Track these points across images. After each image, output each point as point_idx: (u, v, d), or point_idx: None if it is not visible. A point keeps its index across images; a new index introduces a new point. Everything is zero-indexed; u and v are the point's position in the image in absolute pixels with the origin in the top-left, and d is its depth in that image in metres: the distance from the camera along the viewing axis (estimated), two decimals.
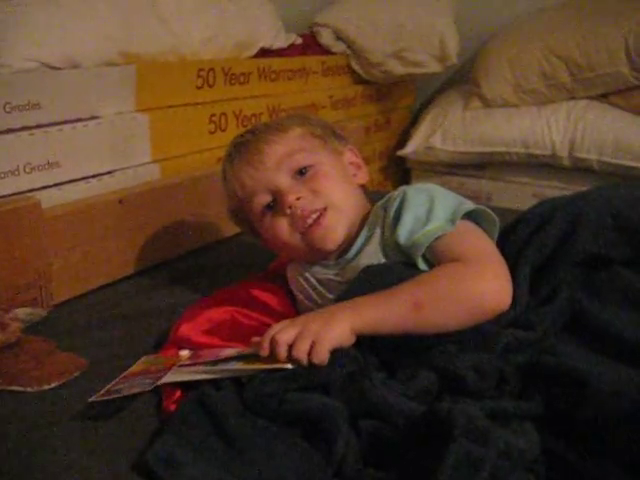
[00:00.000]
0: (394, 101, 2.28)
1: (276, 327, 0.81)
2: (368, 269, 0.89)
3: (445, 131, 2.10)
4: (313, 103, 1.85)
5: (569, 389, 0.71)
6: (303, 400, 0.74)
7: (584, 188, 1.92)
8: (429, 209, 0.89)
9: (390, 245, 0.90)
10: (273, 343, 0.79)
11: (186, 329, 0.93)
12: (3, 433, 0.76)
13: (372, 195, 1.03)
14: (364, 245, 0.94)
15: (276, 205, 0.96)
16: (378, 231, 0.93)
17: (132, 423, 0.79)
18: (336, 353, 0.78)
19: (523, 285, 0.84)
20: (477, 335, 0.79)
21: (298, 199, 0.93)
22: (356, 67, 2.02)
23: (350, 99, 2.03)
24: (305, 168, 0.96)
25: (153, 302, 1.11)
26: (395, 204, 0.92)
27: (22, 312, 1.01)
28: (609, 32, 1.91)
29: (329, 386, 0.77)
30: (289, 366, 0.78)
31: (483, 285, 0.81)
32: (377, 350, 0.82)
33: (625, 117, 1.92)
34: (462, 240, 0.87)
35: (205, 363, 0.84)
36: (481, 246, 0.87)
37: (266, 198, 0.97)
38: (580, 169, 1.98)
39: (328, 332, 0.79)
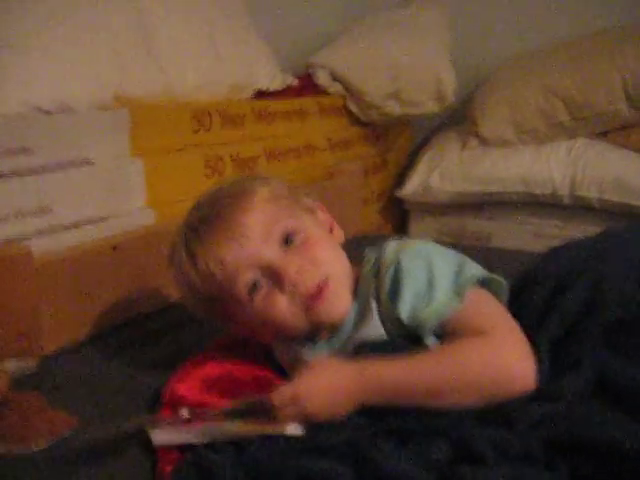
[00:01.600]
0: (391, 142, 2.26)
1: (276, 398, 0.77)
2: (367, 346, 0.83)
3: (443, 171, 2.07)
4: (311, 144, 1.83)
5: (599, 456, 0.66)
6: (305, 465, 0.69)
7: (584, 226, 1.95)
8: (429, 281, 0.81)
9: (390, 319, 0.84)
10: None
11: (181, 388, 0.87)
12: None
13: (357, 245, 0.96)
14: (360, 318, 0.86)
15: (268, 282, 0.84)
16: (373, 304, 0.85)
17: None
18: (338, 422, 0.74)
19: (545, 357, 0.78)
20: (498, 411, 0.74)
21: (297, 272, 0.84)
22: (353, 108, 2.01)
23: (348, 140, 2.01)
24: (291, 235, 0.86)
25: (149, 355, 1.06)
26: (389, 275, 0.84)
27: (11, 365, 0.96)
28: (606, 70, 1.90)
29: (332, 451, 0.72)
30: (289, 431, 0.75)
31: (510, 367, 0.76)
32: (386, 418, 0.77)
33: (625, 155, 1.91)
34: (476, 312, 0.80)
35: (203, 422, 0.79)
36: (498, 318, 0.81)
37: (253, 276, 0.84)
38: (581, 207, 1.96)
39: (326, 420, 0.76)
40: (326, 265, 0.85)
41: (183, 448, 0.77)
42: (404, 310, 0.81)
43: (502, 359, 0.76)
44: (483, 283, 0.84)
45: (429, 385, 0.76)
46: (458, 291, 0.80)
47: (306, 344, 0.89)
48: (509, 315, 0.81)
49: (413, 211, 2.22)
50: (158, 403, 0.88)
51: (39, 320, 1.07)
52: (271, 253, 0.84)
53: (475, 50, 2.29)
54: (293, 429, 0.76)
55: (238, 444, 0.75)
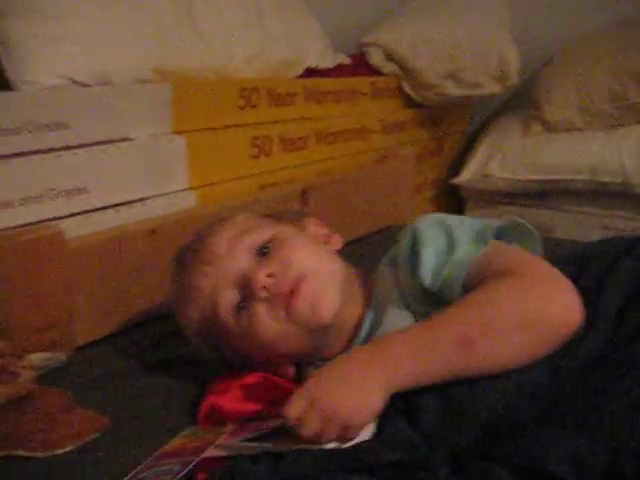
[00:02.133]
0: (447, 126, 2.14)
1: (291, 409, 0.67)
2: None
3: (503, 158, 1.95)
4: (363, 127, 1.72)
5: None
6: None
7: None
8: (448, 237, 0.76)
9: (416, 297, 0.76)
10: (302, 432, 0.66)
11: (220, 400, 0.78)
12: None
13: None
14: (377, 324, 0.79)
15: (247, 298, 0.78)
16: (394, 291, 0.78)
17: None
18: (386, 435, 0.64)
19: (607, 324, 0.68)
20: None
21: (269, 276, 0.77)
22: (408, 89, 1.89)
23: (401, 123, 1.90)
24: (265, 245, 0.80)
25: (187, 349, 0.97)
26: (406, 247, 0.79)
27: (38, 358, 0.88)
28: None
29: (379, 473, 0.62)
30: (330, 445, 0.65)
31: (546, 297, 0.67)
32: (441, 433, 0.65)
33: None
34: (503, 255, 0.73)
35: (245, 438, 0.70)
36: (529, 257, 0.74)
37: (233, 295, 0.79)
38: None
39: (361, 413, 0.66)
40: (301, 264, 0.79)
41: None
42: (426, 274, 0.75)
43: (536, 292, 0.67)
44: (508, 240, 0.79)
45: (455, 335, 0.66)
46: (480, 239, 0.75)
47: (319, 365, 0.80)
48: (543, 260, 0.73)
49: (469, 200, 2.10)
50: (197, 415, 0.79)
51: (71, 308, 0.99)
52: (242, 264, 0.79)
53: (537, 29, 2.15)
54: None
55: (279, 456, 0.65)
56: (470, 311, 0.68)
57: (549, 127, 1.92)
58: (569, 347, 0.67)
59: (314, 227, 0.90)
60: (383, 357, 0.67)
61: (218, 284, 0.79)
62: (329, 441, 0.65)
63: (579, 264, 0.77)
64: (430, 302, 0.75)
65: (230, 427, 0.72)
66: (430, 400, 0.66)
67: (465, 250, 0.73)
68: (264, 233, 0.82)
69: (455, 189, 2.11)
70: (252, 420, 0.74)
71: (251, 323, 0.78)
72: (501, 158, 1.95)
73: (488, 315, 0.66)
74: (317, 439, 0.65)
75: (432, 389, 0.67)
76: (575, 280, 0.70)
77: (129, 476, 0.68)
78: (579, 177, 1.85)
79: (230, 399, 0.77)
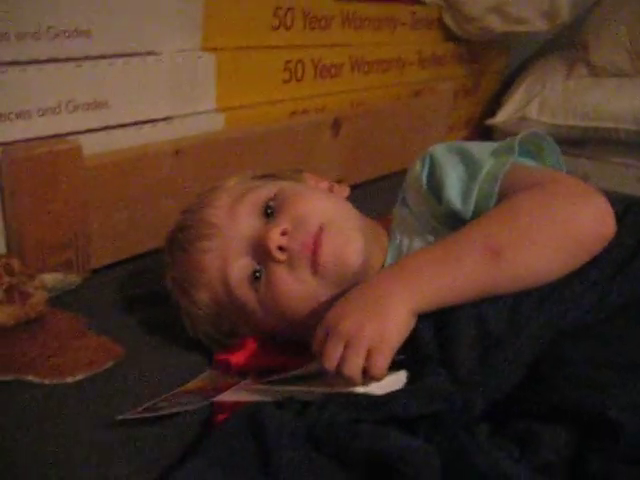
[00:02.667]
0: (485, 64, 2.03)
1: (319, 335, 0.62)
2: None
3: (543, 101, 1.85)
4: (400, 57, 1.63)
5: None
6: (381, 437, 0.54)
7: None
8: (469, 159, 0.71)
9: (440, 229, 0.71)
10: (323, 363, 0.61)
11: (233, 357, 0.71)
12: (4, 443, 0.58)
13: None
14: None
15: (263, 263, 0.69)
16: (414, 229, 0.74)
17: (169, 440, 0.60)
18: (419, 386, 0.58)
19: None
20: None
21: (283, 234, 0.69)
22: (449, 21, 1.78)
23: (439, 57, 1.80)
24: (269, 204, 0.72)
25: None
26: (424, 173, 0.74)
27: (51, 278, 0.83)
28: None
29: (415, 427, 0.57)
30: (360, 390, 0.59)
31: (576, 203, 0.63)
32: (483, 384, 0.59)
33: None
34: (529, 169, 0.71)
35: (269, 382, 0.65)
36: (557, 172, 0.72)
37: (245, 264, 0.70)
38: None
39: (385, 335, 0.59)
40: (315, 215, 0.71)
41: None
42: (454, 195, 0.70)
43: (566, 200, 0.64)
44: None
45: (482, 245, 0.61)
46: (504, 153, 0.71)
47: None
48: (558, 171, 0.72)
49: None
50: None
51: (87, 229, 0.93)
52: (247, 228, 0.71)
53: None
54: (368, 387, 0.60)
55: (305, 404, 0.60)
56: (497, 220, 0.63)
57: (595, 71, 1.81)
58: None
59: (314, 181, 0.84)
60: (404, 273, 0.63)
61: (225, 257, 0.70)
62: (353, 373, 0.59)
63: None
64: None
65: (251, 376, 0.68)
66: (467, 340, 0.60)
67: (492, 164, 0.69)
68: (264, 191, 0.73)
69: (489, 131, 2.02)
70: (272, 372, 0.69)
71: (273, 291, 0.69)
72: (540, 101, 1.85)
73: (516, 223, 0.62)
74: (340, 370, 0.60)
75: (468, 326, 0.61)
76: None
77: (145, 406, 0.63)
78: (622, 126, 1.75)
79: (246, 354, 0.72)
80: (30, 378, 0.66)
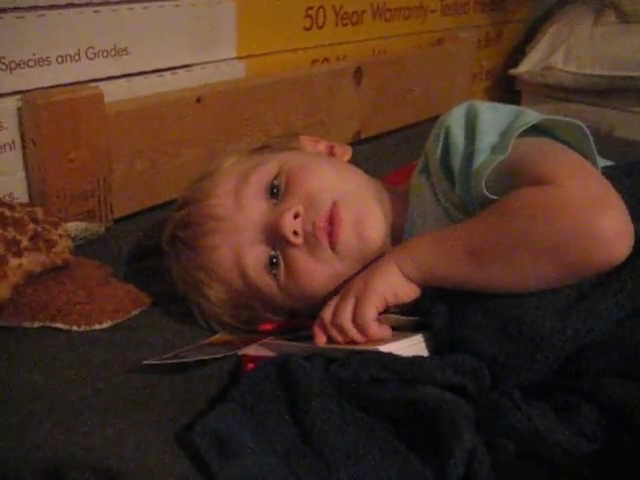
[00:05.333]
0: (509, 12, 1.97)
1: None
2: None
3: (569, 49, 1.80)
4: (421, 5, 1.58)
5: None
6: (411, 390, 0.53)
7: None
8: (471, 141, 0.64)
9: (456, 206, 0.67)
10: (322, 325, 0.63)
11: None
12: (36, 387, 0.58)
13: None
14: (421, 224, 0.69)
15: (278, 249, 0.67)
16: (432, 203, 0.69)
17: (196, 386, 0.61)
18: (448, 359, 0.57)
19: None
20: None
21: (296, 216, 0.66)
22: None
23: (462, 4, 1.75)
24: (274, 184, 0.68)
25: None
26: (437, 152, 0.67)
27: (75, 227, 0.83)
28: None
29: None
30: (380, 347, 0.59)
31: (586, 222, 0.53)
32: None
33: None
34: (529, 161, 0.60)
35: (294, 338, 0.66)
36: (574, 162, 0.60)
37: (260, 252, 0.67)
38: None
39: (371, 282, 0.60)
40: (325, 190, 0.67)
41: None
42: (457, 183, 0.65)
43: (566, 207, 0.54)
44: (548, 134, 0.65)
45: (467, 245, 0.58)
46: (501, 144, 0.62)
47: None
48: (584, 161, 0.61)
49: (526, 93, 1.96)
50: None
51: (109, 178, 0.92)
52: (257, 214, 0.67)
53: None
54: (388, 346, 0.59)
55: (331, 360, 0.60)
56: (488, 223, 0.59)
57: (625, 17, 1.75)
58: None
59: (312, 143, 0.79)
60: (398, 249, 0.63)
61: (238, 249, 0.67)
62: (342, 320, 0.61)
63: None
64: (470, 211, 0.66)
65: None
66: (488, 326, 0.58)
67: (482, 161, 0.62)
68: (267, 169, 0.69)
69: (511, 81, 1.97)
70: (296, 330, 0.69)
71: (294, 275, 0.67)
72: (566, 49, 1.80)
73: (505, 231, 0.57)
74: (333, 320, 0.62)
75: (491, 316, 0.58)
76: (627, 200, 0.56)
77: (170, 354, 0.63)
78: None
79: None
80: (58, 325, 0.66)
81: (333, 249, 0.66)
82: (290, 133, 0.82)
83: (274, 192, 0.68)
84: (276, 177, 0.68)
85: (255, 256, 0.67)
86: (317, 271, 0.66)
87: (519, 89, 1.99)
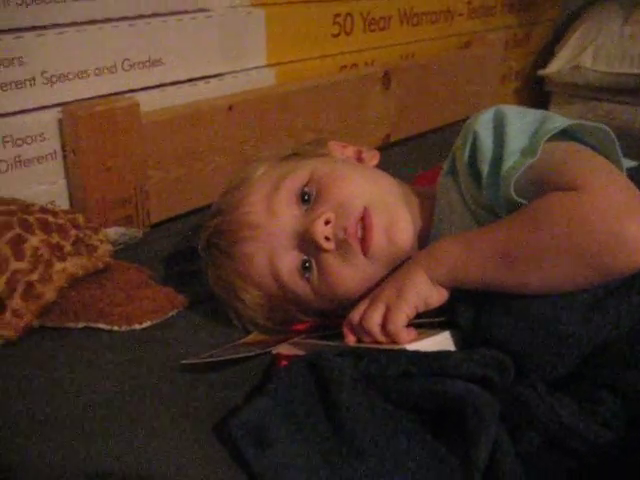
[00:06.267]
0: (537, 13, 1.98)
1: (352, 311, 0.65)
2: None
3: (598, 48, 1.80)
4: (449, 9, 1.60)
5: None
6: (436, 382, 0.55)
7: None
8: (500, 145, 0.65)
9: (484, 208, 0.67)
10: (351, 327, 0.65)
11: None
12: (82, 382, 0.62)
13: None
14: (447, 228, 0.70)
15: (311, 254, 0.69)
16: (459, 205, 0.70)
17: (232, 384, 0.63)
18: (473, 352, 0.58)
19: None
20: None
21: (327, 223, 0.67)
22: None
23: (490, 7, 1.76)
24: (305, 191, 0.70)
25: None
26: (465, 154, 0.68)
27: (114, 232, 0.86)
28: None
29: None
30: (407, 346, 0.61)
31: (613, 227, 0.54)
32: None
33: None
34: (557, 166, 0.61)
35: (325, 336, 0.68)
36: (591, 170, 0.60)
37: (293, 257, 0.69)
38: None
39: (402, 291, 0.62)
40: (356, 196, 0.69)
41: None
42: (484, 186, 0.65)
43: (594, 212, 0.55)
44: (575, 138, 0.66)
45: (497, 249, 0.59)
46: (531, 148, 0.63)
47: None
48: (612, 167, 0.62)
49: (555, 94, 1.96)
50: None
51: (146, 184, 0.96)
52: (289, 221, 0.69)
53: None
54: (414, 345, 0.61)
55: (359, 357, 0.61)
56: (518, 228, 0.59)
57: None
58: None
59: (340, 149, 0.80)
60: (426, 254, 0.64)
61: (272, 255, 0.69)
62: (370, 326, 0.63)
63: None
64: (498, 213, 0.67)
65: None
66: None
67: (512, 166, 0.63)
68: (297, 176, 0.71)
69: (541, 82, 1.97)
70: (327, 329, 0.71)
71: (327, 279, 0.69)
72: (595, 48, 1.80)
73: (536, 235, 0.58)
74: (361, 324, 0.64)
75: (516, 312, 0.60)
76: None
77: (206, 354, 0.66)
78: None
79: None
80: (100, 325, 0.70)
81: (365, 254, 0.68)
82: (319, 139, 0.84)
83: (305, 199, 0.70)
84: (307, 184, 0.70)
85: (289, 261, 0.69)
86: (349, 275, 0.68)
87: (549, 90, 1.99)
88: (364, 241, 0.67)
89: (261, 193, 0.71)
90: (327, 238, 0.67)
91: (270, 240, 0.69)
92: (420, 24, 1.52)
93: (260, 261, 0.70)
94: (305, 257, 0.69)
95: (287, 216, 0.69)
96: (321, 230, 0.66)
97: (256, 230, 0.69)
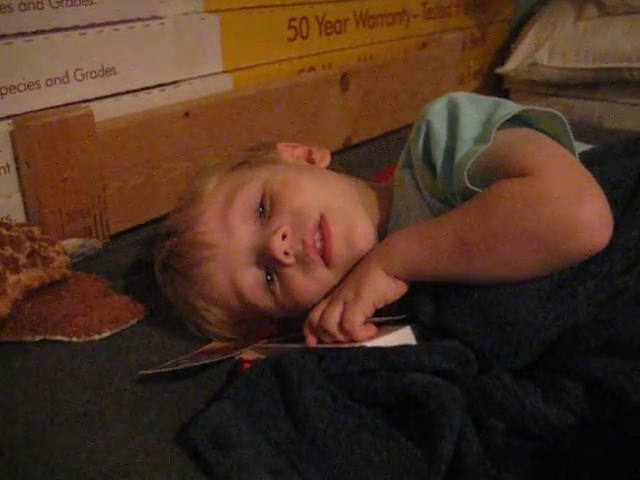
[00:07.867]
0: (492, 13, 2.00)
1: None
2: None
3: (553, 45, 1.82)
4: (404, 10, 1.61)
5: None
6: (398, 377, 0.55)
7: None
8: (452, 132, 0.65)
9: (440, 198, 0.67)
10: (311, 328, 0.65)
11: None
12: (40, 396, 0.60)
13: None
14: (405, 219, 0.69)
15: (272, 268, 0.67)
16: (415, 197, 0.69)
17: (193, 390, 0.62)
18: (434, 345, 0.58)
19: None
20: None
21: (284, 237, 0.66)
22: None
23: (445, 8, 1.78)
24: (260, 204, 0.68)
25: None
26: (419, 144, 0.67)
27: (72, 244, 0.85)
28: None
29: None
30: (367, 343, 0.61)
31: (566, 210, 0.54)
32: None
33: None
34: (510, 152, 0.61)
35: (286, 340, 0.68)
36: (555, 153, 0.60)
37: (254, 274, 0.68)
38: None
39: (359, 289, 0.62)
40: (311, 205, 0.67)
41: None
42: (438, 175, 0.65)
43: (547, 197, 0.55)
44: (528, 124, 0.66)
45: (454, 238, 0.59)
46: (484, 135, 0.62)
47: None
48: (564, 151, 0.61)
49: (514, 91, 1.99)
50: None
51: (104, 195, 0.94)
52: (247, 238, 0.67)
53: None
54: (374, 342, 0.61)
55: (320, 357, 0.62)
56: (473, 215, 0.59)
57: (606, 10, 1.77)
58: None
59: (290, 150, 0.79)
60: (382, 248, 0.64)
61: (232, 273, 0.68)
62: (329, 326, 0.62)
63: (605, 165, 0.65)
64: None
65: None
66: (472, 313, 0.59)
67: (465, 152, 0.62)
68: (250, 190, 0.69)
69: (499, 80, 2.00)
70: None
71: (290, 292, 0.68)
72: (550, 45, 1.82)
73: (491, 221, 0.57)
74: (320, 324, 0.64)
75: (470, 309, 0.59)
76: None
77: (169, 362, 0.65)
78: (635, 65, 1.73)
79: None
80: (58, 337, 0.68)
81: (327, 266, 0.67)
82: (267, 143, 0.82)
83: (260, 211, 0.68)
84: (262, 198, 0.69)
85: (250, 278, 0.68)
86: (312, 287, 0.67)
87: (507, 87, 2.01)
88: (324, 252, 0.66)
89: (214, 210, 0.69)
90: (286, 253, 0.65)
91: (228, 259, 0.68)
92: (376, 26, 1.53)
93: (221, 281, 0.68)
94: (267, 272, 0.68)
95: (243, 232, 0.68)
96: (279, 245, 0.65)
97: (213, 250, 0.68)
